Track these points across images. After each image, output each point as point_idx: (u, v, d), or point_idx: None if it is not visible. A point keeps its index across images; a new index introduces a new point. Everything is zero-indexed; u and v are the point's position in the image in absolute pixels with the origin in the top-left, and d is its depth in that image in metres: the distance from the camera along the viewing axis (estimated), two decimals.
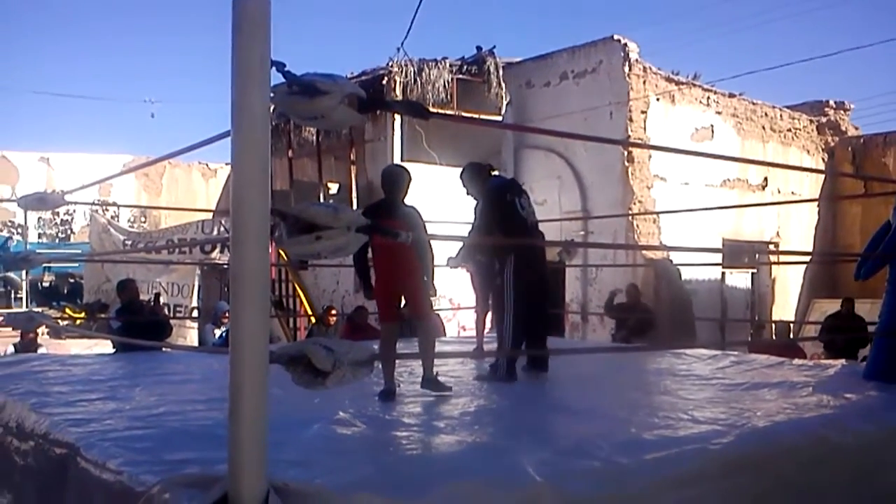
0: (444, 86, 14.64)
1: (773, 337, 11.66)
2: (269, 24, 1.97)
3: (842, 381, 4.97)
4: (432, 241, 4.88)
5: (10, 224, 19.41)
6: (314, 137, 16.26)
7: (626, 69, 13.56)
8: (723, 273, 14.89)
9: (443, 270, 5.79)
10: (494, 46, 15.29)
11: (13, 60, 48.52)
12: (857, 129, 17.88)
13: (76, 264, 17.35)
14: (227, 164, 18.88)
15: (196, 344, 12.02)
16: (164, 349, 7.04)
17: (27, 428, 3.58)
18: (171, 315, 12.66)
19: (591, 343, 11.38)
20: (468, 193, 5.73)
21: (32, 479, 3.40)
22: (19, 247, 16.16)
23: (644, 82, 13.75)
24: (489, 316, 6.87)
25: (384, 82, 14.41)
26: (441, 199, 8.96)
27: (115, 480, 2.67)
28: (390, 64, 14.52)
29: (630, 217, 13.00)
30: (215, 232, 13.49)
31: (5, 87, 59.02)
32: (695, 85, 14.95)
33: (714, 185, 14.67)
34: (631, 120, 13.45)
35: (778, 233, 16.10)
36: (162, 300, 12.24)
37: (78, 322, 13.43)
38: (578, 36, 42.74)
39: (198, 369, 5.60)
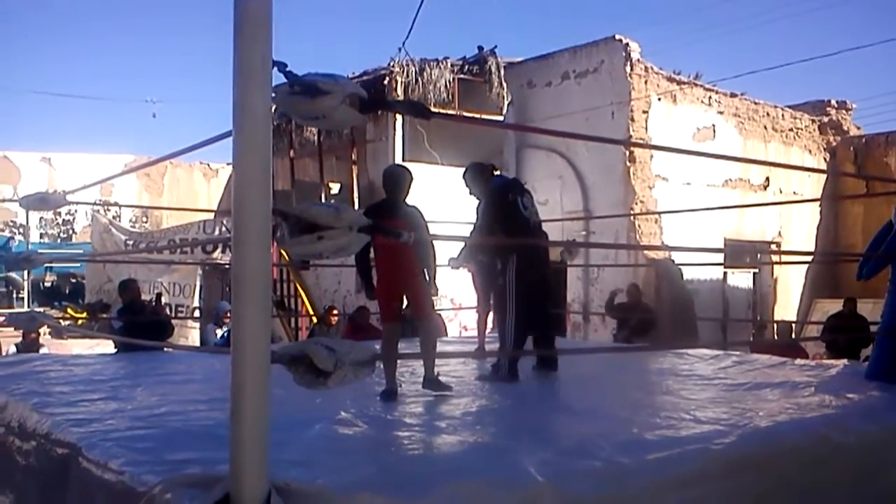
0: (446, 86, 14.63)
1: (775, 337, 11.65)
2: (271, 24, 1.97)
3: (844, 381, 4.97)
4: (434, 241, 4.88)
5: (11, 224, 19.41)
6: (315, 137, 16.25)
7: (628, 69, 13.56)
8: (724, 273, 14.88)
9: (444, 270, 5.79)
10: (496, 46, 15.31)
11: (13, 60, 48.60)
12: (859, 128, 17.86)
13: (78, 264, 17.37)
14: (228, 164, 18.86)
15: (198, 344, 12.02)
16: (165, 349, 7.04)
17: (29, 428, 3.58)
18: (173, 315, 12.65)
19: (592, 343, 11.37)
20: (471, 193, 5.73)
21: (34, 479, 3.40)
22: (21, 247, 16.19)
23: (646, 82, 13.74)
24: (491, 316, 6.88)
25: (385, 82, 14.40)
26: (442, 199, 8.96)
27: (116, 480, 2.67)
28: (392, 64, 14.51)
29: (632, 217, 13.00)
30: (217, 232, 13.50)
31: (6, 87, 59.14)
32: (696, 85, 14.94)
33: (716, 185, 14.66)
34: (632, 120, 13.45)
35: (780, 233, 16.09)
36: (163, 300, 12.24)
37: (80, 322, 13.42)
38: (580, 36, 42.70)
39: (199, 369, 5.60)
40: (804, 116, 16.94)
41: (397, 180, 4.78)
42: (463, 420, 3.89)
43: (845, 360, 6.87)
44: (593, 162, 13.84)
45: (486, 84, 14.97)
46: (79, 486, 2.95)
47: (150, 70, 60.28)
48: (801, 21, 57.24)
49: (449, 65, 14.86)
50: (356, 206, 13.23)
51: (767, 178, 15.79)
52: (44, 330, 9.32)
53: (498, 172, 6.04)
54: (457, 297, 11.36)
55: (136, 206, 20.52)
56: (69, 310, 14.70)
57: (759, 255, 15.87)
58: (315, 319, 12.43)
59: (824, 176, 16.82)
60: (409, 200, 4.79)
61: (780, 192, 15.99)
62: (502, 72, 15.00)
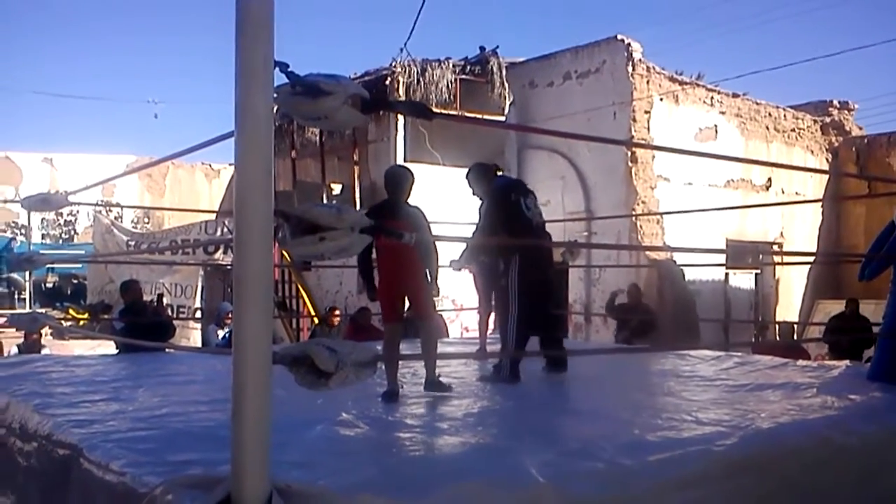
0: (448, 86, 14.63)
1: (777, 338, 11.64)
2: (273, 25, 1.97)
3: (846, 383, 4.96)
4: (436, 242, 4.88)
5: (13, 225, 19.42)
6: (317, 138, 16.25)
7: (630, 69, 13.56)
8: (726, 274, 14.88)
9: (446, 271, 5.78)
10: (497, 46, 15.30)
11: (13, 60, 48.52)
12: (861, 129, 17.84)
13: (80, 265, 17.37)
14: (230, 164, 18.98)
15: (199, 345, 12.02)
16: (167, 350, 7.04)
17: (30, 429, 3.58)
18: (175, 316, 12.64)
19: (594, 344, 11.36)
20: (474, 194, 5.73)
21: (36, 480, 3.40)
22: (23, 248, 16.18)
23: (647, 82, 13.74)
24: (492, 317, 6.87)
25: (387, 83, 14.40)
26: (444, 200, 8.95)
27: (118, 482, 2.67)
28: (393, 64, 14.51)
29: (633, 218, 12.99)
30: (218, 233, 13.51)
31: (6, 88, 59.11)
32: (698, 85, 14.93)
33: (718, 186, 14.66)
34: (634, 120, 13.44)
35: (782, 233, 16.08)
36: (165, 301, 12.23)
37: (81, 323, 13.44)
38: (581, 36, 42.74)
39: (201, 370, 5.60)
40: (806, 117, 16.93)
41: (399, 181, 4.77)
42: (464, 421, 3.89)
43: (847, 362, 6.86)
44: (595, 162, 13.84)
45: (488, 84, 14.97)
46: (80, 487, 2.94)
47: (151, 70, 60.27)
48: (801, 21, 57.26)
49: (450, 65, 14.85)
50: (358, 207, 13.22)
51: (769, 179, 15.78)
52: (45, 331, 9.34)
53: (501, 173, 6.03)
54: (458, 297, 11.35)
55: (138, 207, 20.53)
56: (71, 311, 14.71)
57: (760, 256, 15.87)
58: (316, 320, 12.44)
59: (826, 176, 16.82)
60: (411, 201, 4.79)
61: (783, 192, 15.98)
62: (504, 72, 15.00)
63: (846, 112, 17.74)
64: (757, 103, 15.84)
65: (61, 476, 3.10)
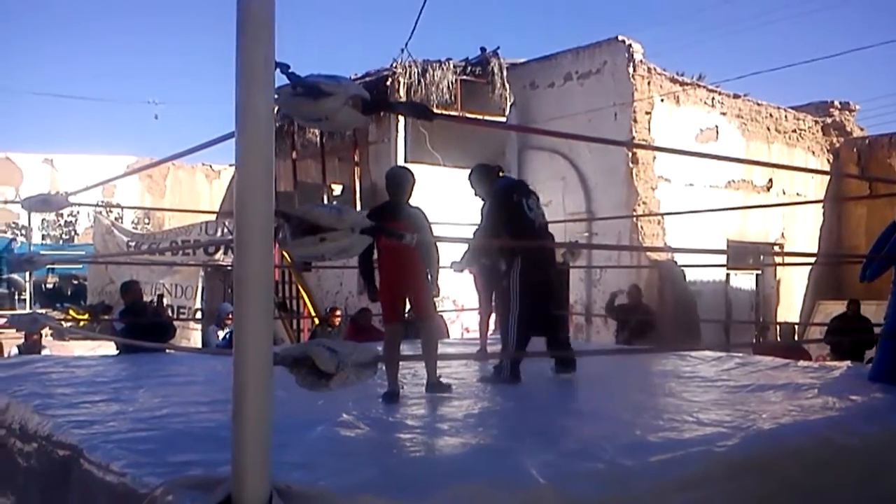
0: (448, 87, 14.62)
1: (778, 339, 11.63)
2: (274, 26, 1.97)
3: (847, 383, 4.95)
4: (437, 243, 4.88)
5: (14, 225, 19.41)
6: (318, 139, 16.25)
7: (631, 70, 13.56)
8: (727, 274, 14.87)
9: (446, 272, 5.78)
10: (498, 47, 15.30)
11: (13, 60, 48.51)
12: (862, 129, 17.84)
13: (80, 266, 17.37)
14: (230, 165, 18.97)
15: (199, 346, 12.02)
16: (167, 351, 7.04)
17: (31, 430, 3.58)
18: (175, 317, 12.65)
19: (595, 345, 11.36)
20: (476, 194, 5.72)
21: (36, 480, 3.40)
22: (23, 248, 16.20)
23: (648, 83, 13.74)
24: (492, 317, 6.86)
25: (388, 83, 14.39)
26: (445, 201, 8.95)
27: (118, 482, 2.67)
28: (394, 65, 14.51)
29: (634, 218, 12.99)
30: (219, 233, 13.51)
31: (6, 88, 59.04)
32: (699, 86, 14.94)
33: (719, 187, 14.65)
34: (635, 121, 13.44)
35: (783, 234, 16.08)
36: (165, 302, 12.23)
37: (81, 324, 13.43)
38: (582, 37, 42.75)
39: (201, 371, 5.60)
40: (807, 118, 16.93)
41: (400, 182, 4.78)
42: (465, 422, 3.89)
43: (848, 362, 6.85)
44: (596, 163, 13.84)
45: (489, 85, 14.96)
46: (80, 487, 2.94)
47: (151, 71, 60.24)
48: (800, 22, 57.23)
49: (451, 66, 14.85)
50: (358, 208, 13.22)
51: (770, 180, 15.78)
52: (46, 331, 9.33)
53: (504, 174, 6.02)
54: (459, 298, 11.35)
55: (139, 208, 20.53)
56: (71, 311, 14.70)
57: (762, 257, 15.87)
58: (317, 321, 12.43)
59: (827, 177, 16.82)
60: (412, 202, 4.79)
61: (784, 193, 15.97)
62: (505, 73, 15.00)
63: (847, 113, 17.74)
64: (758, 104, 15.84)
65: (61, 477, 3.09)
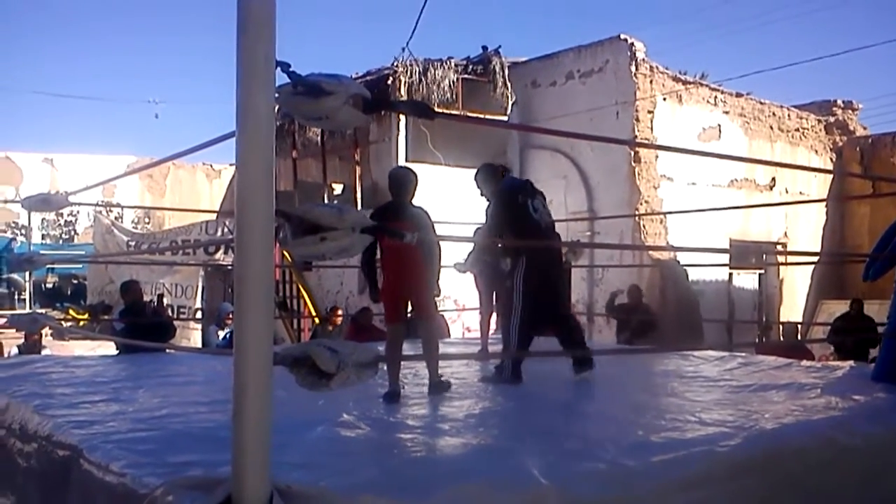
0: (450, 86, 14.60)
1: (781, 338, 11.62)
2: (274, 25, 1.97)
3: (850, 383, 4.94)
4: (440, 242, 4.87)
5: (14, 225, 19.42)
6: (318, 138, 16.23)
7: (633, 69, 13.53)
8: (730, 274, 14.85)
9: (448, 272, 5.77)
10: (500, 46, 15.27)
11: (13, 60, 48.50)
12: (865, 128, 17.83)
13: (80, 265, 17.36)
14: (231, 164, 18.98)
15: (199, 345, 12.02)
16: (167, 351, 7.03)
17: (30, 430, 3.58)
18: (175, 316, 12.64)
19: (597, 345, 11.33)
20: (482, 195, 5.69)
21: (35, 481, 3.40)
22: (23, 248, 16.19)
23: (651, 82, 13.71)
24: (493, 317, 6.85)
25: (389, 82, 14.37)
26: (446, 200, 8.94)
27: (118, 483, 2.66)
28: (395, 64, 14.49)
29: (636, 217, 12.97)
30: (219, 233, 13.50)
31: (6, 88, 59.09)
32: (702, 84, 14.91)
33: (721, 186, 14.63)
34: (637, 120, 13.42)
35: (786, 233, 16.06)
36: (165, 301, 12.23)
37: (81, 323, 13.44)
38: (584, 35, 42.76)
39: (201, 371, 5.59)
40: (810, 116, 16.92)
41: (403, 182, 4.77)
42: (466, 422, 3.88)
43: (851, 362, 6.84)
44: (598, 162, 13.82)
45: (490, 84, 14.95)
46: (80, 488, 2.94)
47: (151, 70, 60.21)
48: (801, 22, 57.24)
49: (453, 65, 14.83)
50: (359, 207, 13.22)
51: (773, 179, 15.76)
52: (46, 331, 9.33)
53: (509, 174, 6.00)
54: (460, 298, 11.35)
55: (139, 207, 20.52)
56: (71, 311, 14.71)
57: (764, 256, 15.85)
58: (317, 320, 12.42)
59: (830, 176, 16.78)
60: (414, 202, 4.78)
61: (786, 192, 15.96)
62: (506, 72, 14.97)
63: (850, 112, 17.72)
64: (761, 103, 15.82)
65: (61, 477, 3.09)
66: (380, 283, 4.90)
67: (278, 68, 2.03)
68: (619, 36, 13.79)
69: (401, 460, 3.07)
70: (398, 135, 14.41)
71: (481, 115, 13.64)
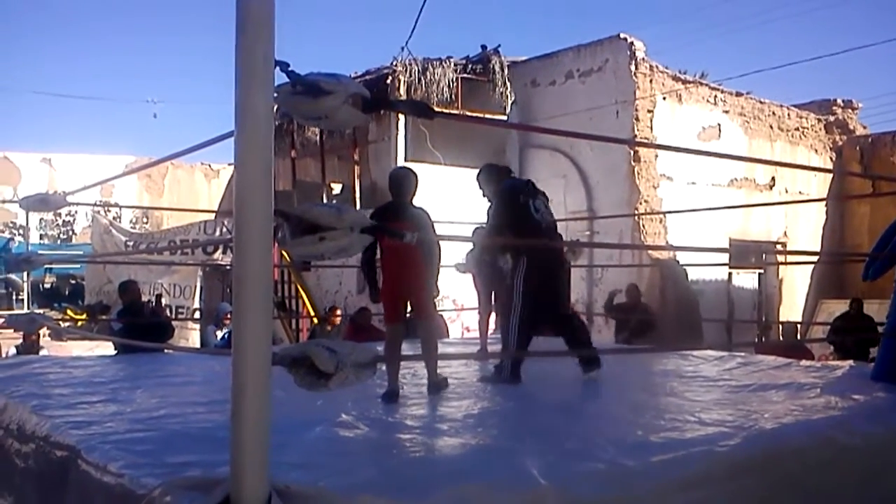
0: (449, 85, 14.59)
1: (781, 338, 11.62)
2: (273, 24, 1.96)
3: (849, 383, 4.94)
4: (439, 242, 4.87)
5: (11, 225, 19.40)
6: (317, 137, 16.22)
7: (633, 68, 13.53)
8: (730, 273, 14.85)
9: (447, 272, 5.76)
10: (499, 45, 15.28)
11: (13, 60, 48.52)
12: (865, 127, 17.82)
13: (78, 265, 17.36)
14: (229, 164, 18.97)
15: (198, 346, 12.01)
16: (165, 351, 7.02)
17: (28, 430, 3.57)
18: (173, 316, 12.62)
19: (596, 344, 11.30)
20: (484, 195, 5.69)
21: (33, 481, 3.39)
22: (21, 248, 16.18)
23: (650, 81, 13.71)
24: (492, 317, 6.85)
25: (388, 82, 14.36)
26: (445, 200, 8.92)
27: (116, 483, 2.66)
28: (394, 63, 14.48)
29: (636, 217, 12.96)
30: (217, 233, 13.48)
31: (5, 87, 59.02)
32: (702, 84, 14.90)
33: (721, 185, 14.63)
34: (637, 119, 13.41)
35: (785, 233, 16.05)
36: (164, 301, 12.23)
37: (79, 324, 13.44)
38: (584, 34, 42.79)
39: (199, 371, 5.58)
40: (810, 116, 16.91)
41: (403, 182, 4.76)
42: (465, 422, 3.88)
43: (851, 362, 6.84)
44: (597, 161, 13.81)
45: (490, 83, 14.95)
46: (78, 488, 2.93)
47: (150, 70, 60.20)
48: (801, 21, 57.28)
49: (452, 64, 14.82)
50: (358, 207, 13.22)
51: (773, 178, 15.75)
52: (43, 332, 9.32)
53: (512, 174, 5.98)
54: (459, 297, 11.34)
55: (137, 207, 20.52)
56: (69, 311, 14.72)
57: (764, 256, 15.85)
58: (316, 320, 12.41)
59: (830, 175, 16.78)
60: (414, 202, 4.77)
61: (786, 191, 15.96)
62: (506, 71, 14.97)
63: (850, 111, 17.71)
64: (760, 102, 15.82)
65: (59, 478, 3.08)
66: (379, 284, 4.89)
67: (277, 68, 2.03)
68: (618, 35, 13.78)
69: (400, 460, 3.07)
70: (397, 134, 14.40)
71: (481, 115, 13.63)
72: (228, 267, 11.99)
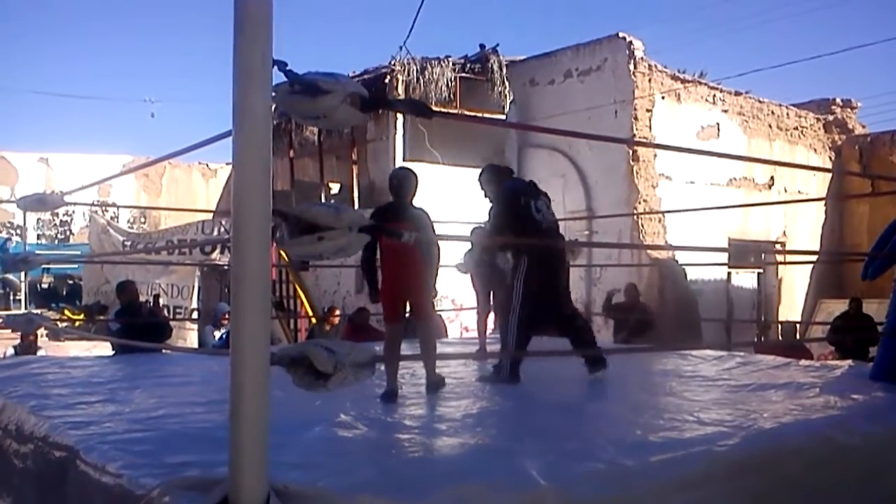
0: (447, 84, 14.59)
1: (780, 337, 11.62)
2: (271, 24, 1.96)
3: (848, 382, 4.94)
4: (438, 242, 4.87)
5: (9, 225, 19.40)
6: (316, 137, 16.23)
7: (632, 67, 13.52)
8: (729, 273, 14.85)
9: (448, 271, 5.76)
10: (498, 44, 15.27)
11: (13, 60, 48.55)
12: (864, 127, 17.82)
13: (75, 265, 17.35)
14: (227, 164, 18.95)
15: (196, 346, 12.00)
16: (163, 351, 7.02)
17: (26, 431, 3.56)
18: (171, 317, 12.63)
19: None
20: (486, 196, 5.68)
21: (32, 481, 3.38)
22: (18, 248, 16.17)
23: (649, 80, 13.71)
24: (491, 316, 6.85)
25: (387, 81, 14.35)
26: (444, 199, 8.93)
27: (114, 483, 2.65)
28: (393, 62, 14.47)
29: (635, 216, 12.96)
30: (215, 233, 13.47)
31: (5, 87, 58.99)
32: (700, 83, 14.90)
33: (720, 184, 14.63)
34: (636, 118, 13.41)
35: (784, 232, 16.05)
36: (161, 302, 12.21)
37: (77, 324, 13.43)
38: (582, 34, 42.80)
39: (197, 371, 5.58)
40: (809, 115, 16.91)
41: (403, 183, 4.76)
42: (464, 422, 3.87)
43: (850, 361, 6.84)
44: (596, 161, 13.81)
45: (488, 83, 14.94)
46: (76, 489, 2.92)
47: (148, 70, 60.29)
48: (801, 21, 57.31)
49: (450, 63, 14.81)
50: (356, 207, 13.20)
51: (772, 178, 15.75)
52: (41, 332, 9.31)
53: (514, 175, 5.97)
54: (458, 297, 11.33)
55: (135, 207, 20.50)
56: (66, 311, 14.72)
57: (763, 255, 15.85)
58: (314, 320, 12.40)
59: (829, 175, 16.78)
60: (414, 202, 4.77)
61: (785, 191, 15.96)
62: (504, 70, 14.96)
63: (849, 110, 17.71)
64: (760, 101, 15.81)
65: (58, 478, 3.08)
66: (379, 284, 4.89)
67: (275, 67, 2.02)
68: (617, 34, 13.78)
69: (399, 460, 3.07)
70: (396, 134, 14.39)
71: (479, 114, 13.63)
72: (226, 267, 11.97)
